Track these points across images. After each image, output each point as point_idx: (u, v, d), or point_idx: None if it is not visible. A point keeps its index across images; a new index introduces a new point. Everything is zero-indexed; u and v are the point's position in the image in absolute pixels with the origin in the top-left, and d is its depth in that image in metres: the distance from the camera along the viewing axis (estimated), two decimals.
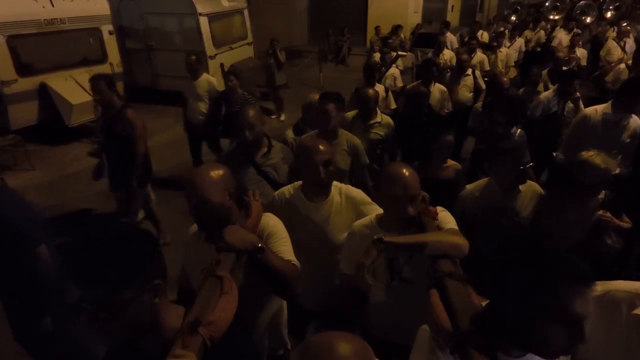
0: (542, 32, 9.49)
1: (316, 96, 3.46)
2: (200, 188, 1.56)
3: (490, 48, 7.20)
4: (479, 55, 6.41)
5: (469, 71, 5.42)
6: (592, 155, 2.40)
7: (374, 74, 4.83)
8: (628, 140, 3.41)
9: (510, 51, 7.56)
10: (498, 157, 2.55)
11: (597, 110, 3.49)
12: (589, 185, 2.41)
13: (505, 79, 4.48)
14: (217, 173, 1.62)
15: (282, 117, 8.29)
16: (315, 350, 0.88)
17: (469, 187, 2.70)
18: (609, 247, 2.43)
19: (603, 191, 2.49)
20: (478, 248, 1.73)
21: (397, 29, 9.77)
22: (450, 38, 8.59)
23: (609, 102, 3.50)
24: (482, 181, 2.66)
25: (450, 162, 3.30)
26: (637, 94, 3.31)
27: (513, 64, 7.48)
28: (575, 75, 4.31)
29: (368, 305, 1.89)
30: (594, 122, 3.44)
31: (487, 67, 6.40)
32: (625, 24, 7.61)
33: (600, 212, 2.43)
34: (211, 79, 5.31)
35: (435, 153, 3.23)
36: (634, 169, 3.41)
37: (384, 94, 4.92)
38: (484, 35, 9.28)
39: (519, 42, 8.25)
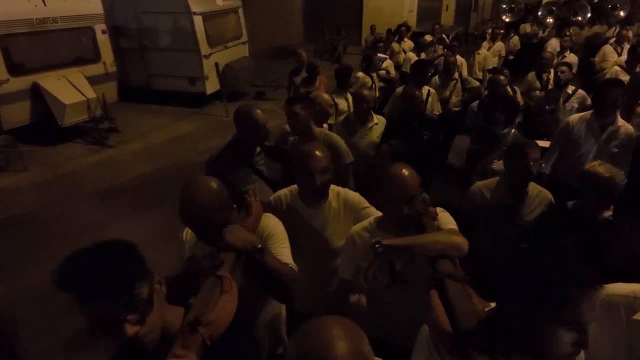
0: (517, 37, 8.79)
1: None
2: (201, 209, 1.54)
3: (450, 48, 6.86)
4: (459, 59, 6.04)
5: (456, 75, 5.25)
6: (595, 165, 2.22)
7: (347, 80, 4.67)
8: (616, 151, 3.13)
9: (488, 54, 7.22)
10: (505, 155, 2.51)
11: (581, 117, 3.28)
12: (593, 201, 2.18)
13: (502, 77, 4.41)
14: (213, 190, 1.60)
15: None
16: (309, 334, 0.89)
17: (479, 183, 2.67)
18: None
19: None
20: (478, 247, 1.73)
21: (403, 27, 9.11)
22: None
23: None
24: (493, 180, 2.62)
25: None
26: (607, 98, 3.07)
27: (490, 68, 6.95)
28: (566, 64, 4.41)
29: (367, 307, 1.89)
30: (577, 130, 3.22)
31: (465, 72, 6.11)
32: (625, 31, 7.21)
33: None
34: None
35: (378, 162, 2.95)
36: (629, 181, 2.99)
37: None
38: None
39: (499, 46, 7.79)
